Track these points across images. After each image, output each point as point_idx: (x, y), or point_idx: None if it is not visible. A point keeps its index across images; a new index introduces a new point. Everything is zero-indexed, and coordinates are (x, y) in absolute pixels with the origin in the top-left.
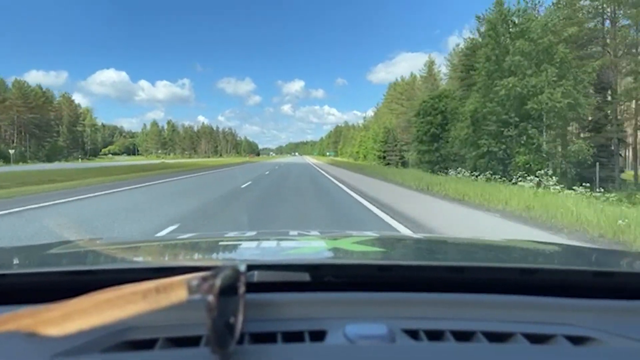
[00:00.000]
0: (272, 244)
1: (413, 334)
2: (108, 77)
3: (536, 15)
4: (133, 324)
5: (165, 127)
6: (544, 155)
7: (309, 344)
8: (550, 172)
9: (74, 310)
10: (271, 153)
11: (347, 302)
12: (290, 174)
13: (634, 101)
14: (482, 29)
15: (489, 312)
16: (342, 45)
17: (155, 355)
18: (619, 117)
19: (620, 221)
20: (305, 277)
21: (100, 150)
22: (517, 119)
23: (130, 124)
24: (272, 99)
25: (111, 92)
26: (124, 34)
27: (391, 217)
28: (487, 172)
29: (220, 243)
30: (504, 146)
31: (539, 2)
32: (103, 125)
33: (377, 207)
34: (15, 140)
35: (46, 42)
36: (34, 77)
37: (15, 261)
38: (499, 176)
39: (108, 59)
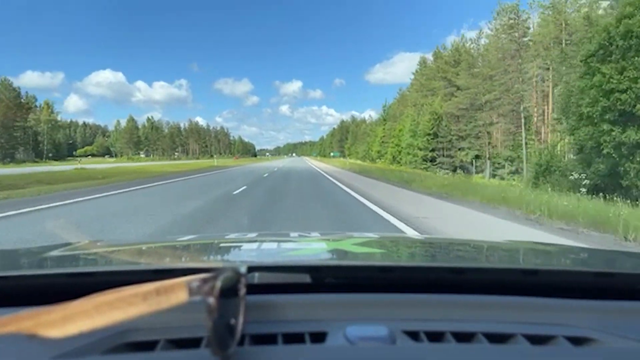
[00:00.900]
0: (272, 245)
1: (414, 335)
2: (104, 78)
3: None
4: (134, 326)
5: (146, 124)
6: None
7: (309, 346)
8: None
9: (74, 312)
10: (267, 154)
11: (347, 304)
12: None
13: None
14: None
15: (490, 313)
16: (340, 45)
17: (156, 356)
18: None
19: None
20: (306, 278)
21: (76, 151)
22: None
23: None
24: (270, 100)
25: (108, 93)
26: (121, 34)
27: None
28: None
29: (221, 245)
30: None
31: None
32: (85, 124)
33: None
34: None
35: (41, 42)
36: (30, 78)
37: (16, 263)
38: None
39: (104, 59)
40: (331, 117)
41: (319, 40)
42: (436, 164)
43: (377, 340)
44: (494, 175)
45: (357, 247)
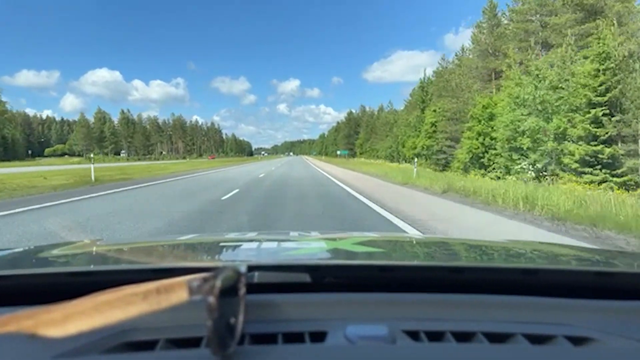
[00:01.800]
0: (272, 244)
1: (414, 335)
2: (101, 77)
3: None
4: (134, 325)
5: (117, 117)
6: None
7: (309, 345)
8: None
9: (74, 312)
10: (263, 153)
11: (347, 303)
12: None
13: None
14: None
15: (490, 313)
16: (338, 43)
17: (156, 356)
18: None
19: None
20: (306, 278)
21: (44, 149)
22: None
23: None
24: (268, 98)
25: (104, 92)
26: (117, 32)
27: None
28: None
29: (221, 244)
30: None
31: None
32: (63, 120)
33: None
34: None
35: (37, 41)
36: (25, 77)
37: (16, 262)
38: None
39: (101, 58)
40: (329, 115)
41: (317, 39)
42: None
43: (377, 340)
44: None
45: (357, 246)
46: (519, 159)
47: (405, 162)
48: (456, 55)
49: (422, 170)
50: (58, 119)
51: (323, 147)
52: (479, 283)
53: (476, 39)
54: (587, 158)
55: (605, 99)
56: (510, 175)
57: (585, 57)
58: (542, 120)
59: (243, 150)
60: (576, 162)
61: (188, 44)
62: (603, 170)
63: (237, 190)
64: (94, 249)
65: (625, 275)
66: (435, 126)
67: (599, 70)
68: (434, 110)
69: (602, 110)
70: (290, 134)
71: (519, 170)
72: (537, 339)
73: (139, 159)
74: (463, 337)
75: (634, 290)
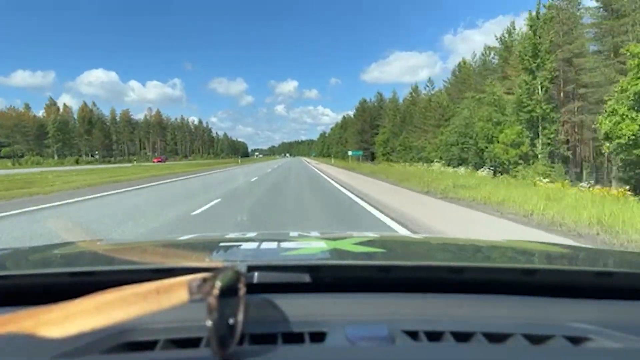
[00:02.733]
0: (272, 245)
1: (413, 335)
2: (97, 77)
3: None
4: (134, 325)
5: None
6: None
7: (309, 345)
8: None
9: (74, 312)
10: (257, 154)
11: (347, 303)
12: None
13: None
14: None
15: (489, 313)
16: (336, 44)
17: (156, 356)
18: None
19: None
20: (306, 278)
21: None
22: None
23: None
24: (265, 100)
25: (100, 92)
26: (113, 32)
27: None
28: None
29: (221, 244)
30: None
31: None
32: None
33: None
34: None
35: (32, 41)
36: (21, 77)
37: (16, 262)
38: None
39: (97, 58)
40: (327, 117)
41: (315, 40)
42: None
43: (377, 340)
44: None
45: (357, 246)
46: None
47: (499, 170)
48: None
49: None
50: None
51: (324, 147)
52: (479, 283)
53: None
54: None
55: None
56: None
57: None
58: None
59: (237, 151)
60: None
61: (185, 44)
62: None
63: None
64: (94, 249)
65: (625, 275)
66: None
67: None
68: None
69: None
70: (288, 135)
71: None
72: (536, 339)
73: (90, 162)
74: (462, 337)
75: (633, 290)
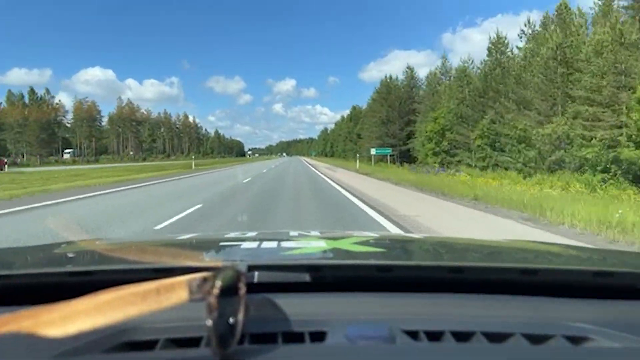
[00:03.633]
0: (272, 244)
1: (413, 335)
2: (94, 76)
3: None
4: (134, 325)
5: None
6: None
7: (309, 345)
8: None
9: (74, 311)
10: (249, 153)
11: (347, 303)
12: None
13: None
14: None
15: (489, 313)
16: (334, 42)
17: (156, 355)
18: None
19: None
20: (306, 277)
21: None
22: None
23: None
24: (263, 98)
25: (97, 91)
26: (110, 30)
27: None
28: None
29: (221, 243)
30: None
31: None
32: None
33: None
34: None
35: (28, 38)
36: (16, 75)
37: (16, 262)
38: None
39: (94, 56)
40: (325, 116)
41: (313, 38)
42: None
43: (377, 340)
44: None
45: (357, 246)
46: None
47: None
48: None
49: None
50: None
51: (326, 145)
52: (479, 283)
53: None
54: None
55: None
56: None
57: None
58: None
59: (231, 150)
60: None
61: (182, 42)
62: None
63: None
64: (94, 248)
65: (625, 275)
66: None
67: None
68: None
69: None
70: (286, 134)
71: None
72: (536, 339)
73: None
74: (462, 336)
75: (633, 290)
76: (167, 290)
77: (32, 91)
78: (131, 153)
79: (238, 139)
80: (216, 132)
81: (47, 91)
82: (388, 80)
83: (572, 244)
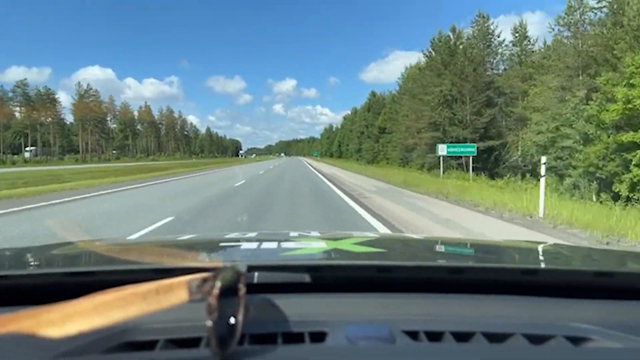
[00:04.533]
0: (272, 245)
1: (413, 335)
2: (93, 75)
3: None
4: (134, 325)
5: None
6: None
7: (309, 345)
8: None
9: (74, 312)
10: (242, 153)
11: (347, 303)
12: None
13: None
14: None
15: (489, 313)
16: (335, 43)
17: (156, 356)
18: None
19: None
20: (306, 278)
21: None
22: None
23: None
24: (263, 98)
25: (97, 90)
26: (110, 29)
27: None
28: None
29: (221, 244)
30: None
31: None
32: None
33: None
34: None
35: (27, 37)
36: (15, 73)
37: (16, 262)
38: None
39: (93, 55)
40: (325, 116)
41: (314, 38)
42: None
43: (377, 340)
44: None
45: (357, 246)
46: None
47: None
48: None
49: None
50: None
51: (331, 144)
52: (479, 283)
53: None
54: None
55: None
56: None
57: None
58: None
59: (225, 150)
60: None
61: (182, 41)
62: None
63: None
64: (94, 248)
65: (625, 275)
66: None
67: None
68: None
69: None
70: (286, 134)
71: None
72: (536, 339)
73: None
74: (462, 337)
75: (633, 290)
76: (167, 291)
77: None
78: (103, 153)
79: (237, 138)
80: (208, 129)
81: None
82: (449, 35)
83: (572, 244)
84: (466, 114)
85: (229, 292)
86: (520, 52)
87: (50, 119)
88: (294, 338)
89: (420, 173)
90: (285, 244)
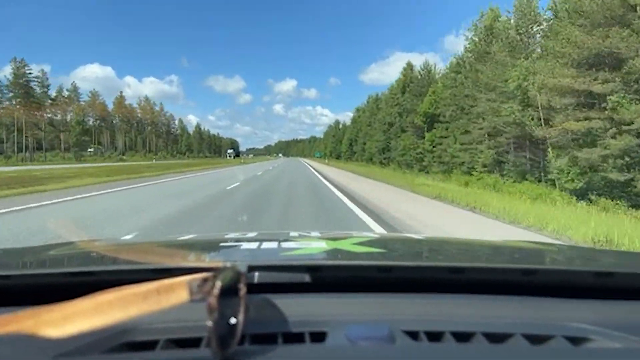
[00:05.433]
0: (272, 244)
1: (413, 335)
2: (92, 73)
3: None
4: (134, 325)
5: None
6: None
7: (309, 345)
8: None
9: (74, 312)
10: (230, 153)
11: (347, 303)
12: None
13: None
14: None
15: (489, 313)
16: (336, 43)
17: (156, 356)
18: None
19: None
20: (306, 278)
21: None
22: None
23: None
24: (263, 98)
25: (96, 88)
26: (109, 26)
27: None
28: None
29: (221, 244)
30: None
31: None
32: None
33: None
34: None
35: (27, 34)
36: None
37: (16, 262)
38: None
39: (92, 53)
40: (326, 117)
41: (314, 38)
42: None
43: (377, 340)
44: None
45: (357, 246)
46: None
47: None
48: None
49: None
50: None
51: (338, 144)
52: (479, 283)
53: None
54: None
55: None
56: None
57: None
58: None
59: (219, 149)
60: None
61: (182, 39)
62: None
63: None
64: (94, 248)
65: (625, 275)
66: None
67: None
68: None
69: None
70: (286, 135)
71: None
72: (536, 339)
73: None
74: (463, 337)
75: (633, 290)
76: (168, 291)
77: None
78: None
79: (237, 138)
80: (197, 126)
81: None
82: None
83: (572, 244)
84: None
85: (229, 292)
86: None
87: None
88: (294, 338)
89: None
90: (285, 244)
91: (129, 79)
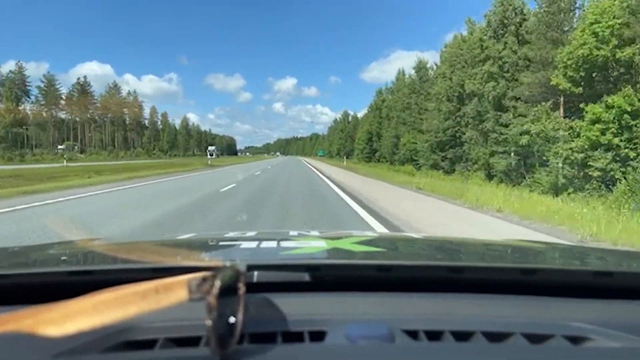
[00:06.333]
0: (272, 244)
1: (413, 334)
2: (91, 70)
3: None
4: (133, 324)
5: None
6: None
7: (309, 344)
8: None
9: (74, 311)
10: (211, 150)
11: (347, 303)
12: None
13: None
14: None
15: (489, 312)
16: (336, 42)
17: (155, 355)
18: None
19: None
20: (305, 277)
21: None
22: None
23: None
24: (263, 96)
25: (95, 86)
26: (108, 24)
27: None
28: None
29: (221, 243)
30: None
31: None
32: None
33: None
34: None
35: (25, 30)
36: (12, 68)
37: (15, 261)
38: None
39: (91, 50)
40: (326, 116)
41: (315, 37)
42: None
43: (377, 339)
44: None
45: (357, 245)
46: None
47: None
48: None
49: None
50: None
51: (348, 141)
52: (478, 282)
53: None
54: None
55: None
56: None
57: None
58: None
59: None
60: None
61: (181, 37)
62: None
63: None
64: (93, 247)
65: (624, 274)
66: None
67: None
68: None
69: None
70: (286, 133)
71: None
72: (535, 338)
73: None
74: (462, 336)
75: (633, 290)
76: (167, 290)
77: None
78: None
79: (237, 137)
80: (184, 121)
81: None
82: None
83: (572, 244)
84: None
85: (228, 291)
86: None
87: None
88: (293, 337)
89: None
90: (284, 243)
91: (128, 76)
